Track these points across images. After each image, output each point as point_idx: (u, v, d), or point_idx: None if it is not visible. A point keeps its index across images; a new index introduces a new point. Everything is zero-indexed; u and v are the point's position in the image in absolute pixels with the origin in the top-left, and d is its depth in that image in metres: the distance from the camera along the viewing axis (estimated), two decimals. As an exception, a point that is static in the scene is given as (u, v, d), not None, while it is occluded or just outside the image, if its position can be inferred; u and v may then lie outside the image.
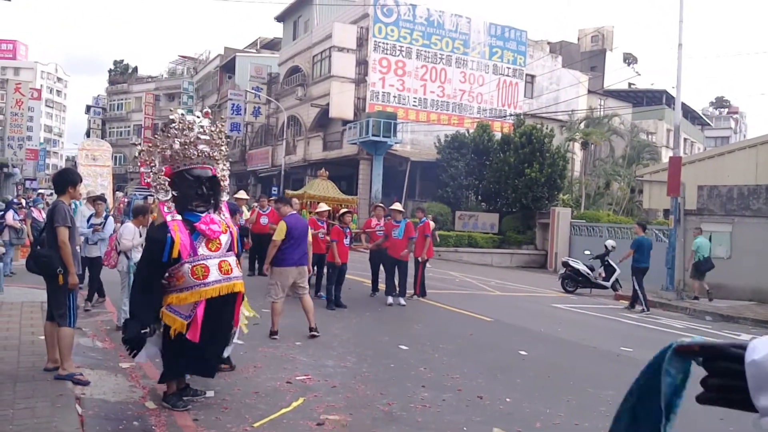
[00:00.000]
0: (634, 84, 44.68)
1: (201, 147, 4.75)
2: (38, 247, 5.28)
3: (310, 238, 7.86)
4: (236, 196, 12.91)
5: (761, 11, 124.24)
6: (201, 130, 4.76)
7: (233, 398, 4.97)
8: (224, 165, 5.09)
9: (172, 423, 4.36)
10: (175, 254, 4.47)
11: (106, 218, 9.23)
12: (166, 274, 4.54)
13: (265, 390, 5.26)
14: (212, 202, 4.85)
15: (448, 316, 10.08)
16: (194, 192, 4.74)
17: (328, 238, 10.40)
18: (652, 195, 20.49)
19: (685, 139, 39.82)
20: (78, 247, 5.18)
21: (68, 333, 4.99)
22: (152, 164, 4.76)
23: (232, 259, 4.79)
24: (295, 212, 8.15)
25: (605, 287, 14.92)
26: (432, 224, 12.02)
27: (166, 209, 4.64)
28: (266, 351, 6.60)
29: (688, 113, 43.27)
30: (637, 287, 12.51)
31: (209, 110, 5.33)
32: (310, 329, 7.52)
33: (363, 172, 28.91)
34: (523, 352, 7.60)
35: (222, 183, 5.02)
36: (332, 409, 4.87)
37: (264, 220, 12.65)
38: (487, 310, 10.82)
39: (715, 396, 0.93)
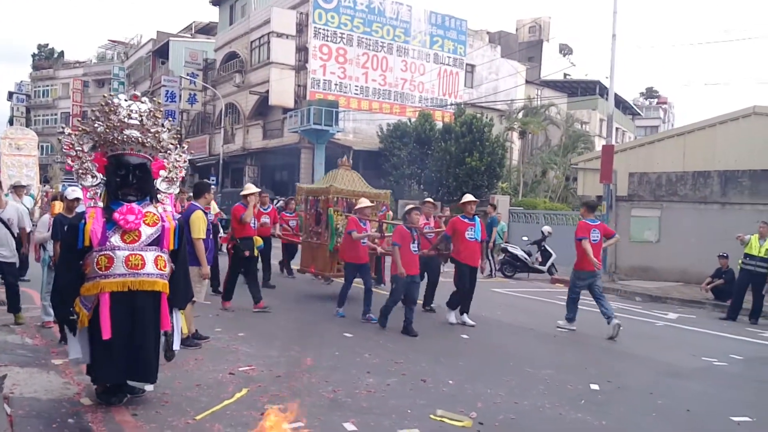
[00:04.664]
0: (569, 75, 45.98)
1: (129, 132, 4.49)
2: None
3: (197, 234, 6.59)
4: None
5: (689, 3, 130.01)
6: (128, 113, 4.48)
7: (174, 392, 4.84)
8: (178, 155, 4.85)
9: (110, 419, 4.22)
10: (86, 242, 4.33)
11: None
12: (81, 261, 4.39)
13: (207, 382, 5.16)
14: (143, 191, 4.58)
15: (391, 303, 10.12)
16: (116, 179, 4.50)
17: (375, 243, 9.03)
18: (586, 182, 21.09)
19: (617, 129, 41.34)
20: None
21: None
22: (79, 149, 4.53)
23: (149, 254, 4.43)
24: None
25: (542, 272, 15.42)
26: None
27: (89, 195, 4.55)
28: (208, 343, 6.47)
29: (620, 103, 44.90)
30: (492, 257, 15.13)
31: (138, 93, 5.06)
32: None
33: (305, 161, 28.65)
34: (464, 336, 7.76)
35: (174, 173, 4.82)
36: (276, 398, 4.83)
37: (265, 220, 10.80)
38: (429, 296, 10.93)
39: None
